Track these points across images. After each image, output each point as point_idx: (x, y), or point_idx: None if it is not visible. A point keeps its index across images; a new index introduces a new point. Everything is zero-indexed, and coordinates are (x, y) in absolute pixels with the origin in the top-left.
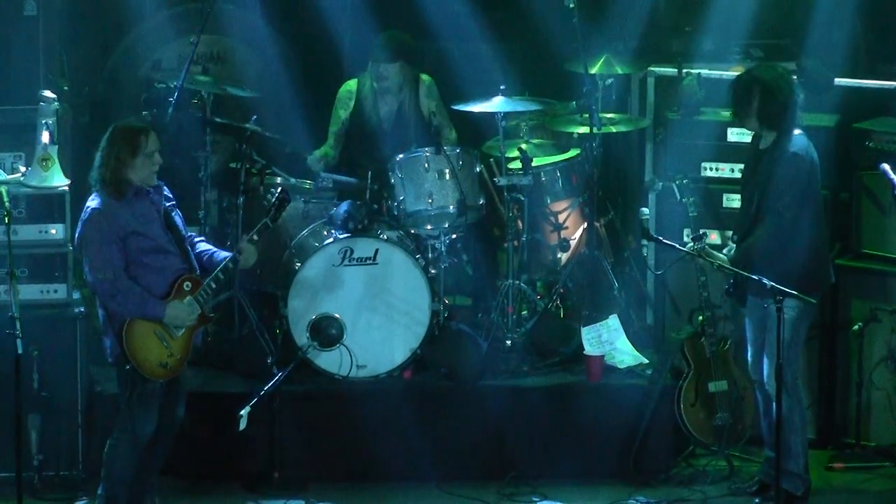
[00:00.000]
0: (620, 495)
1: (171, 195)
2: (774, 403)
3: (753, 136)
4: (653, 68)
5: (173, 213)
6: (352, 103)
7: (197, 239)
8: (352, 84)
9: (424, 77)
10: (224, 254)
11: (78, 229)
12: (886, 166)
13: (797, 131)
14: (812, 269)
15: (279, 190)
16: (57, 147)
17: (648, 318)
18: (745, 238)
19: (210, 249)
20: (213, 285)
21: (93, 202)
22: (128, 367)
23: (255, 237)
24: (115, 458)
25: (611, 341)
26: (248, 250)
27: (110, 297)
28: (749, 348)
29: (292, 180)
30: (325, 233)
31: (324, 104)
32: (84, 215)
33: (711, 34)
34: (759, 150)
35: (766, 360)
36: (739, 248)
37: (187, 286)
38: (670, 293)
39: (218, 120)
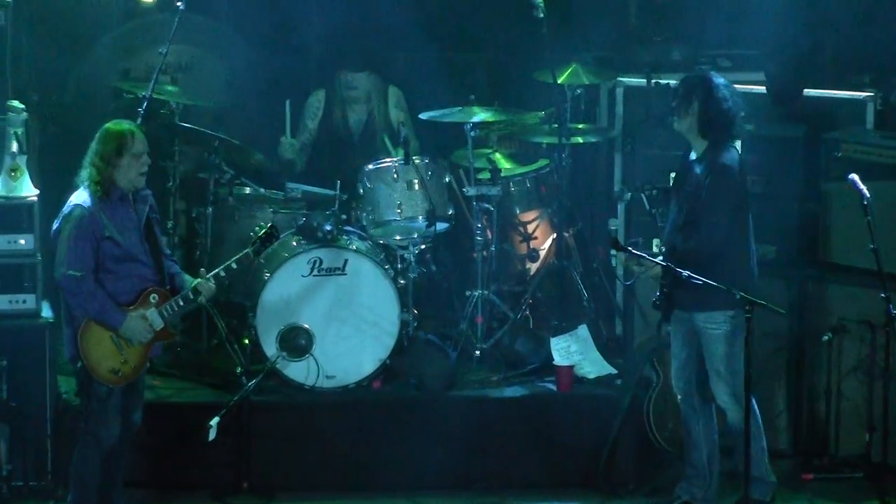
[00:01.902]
0: None
1: (156, 207)
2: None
3: (686, 148)
4: (622, 78)
5: (155, 225)
6: (320, 113)
7: (167, 256)
8: (320, 94)
9: (393, 87)
10: (187, 278)
11: (56, 222)
12: (855, 176)
13: (736, 144)
14: (739, 281)
15: (268, 225)
16: (25, 157)
17: (617, 329)
18: (673, 247)
19: (178, 273)
20: (182, 303)
21: (76, 199)
22: (79, 364)
23: (222, 274)
24: (80, 462)
25: (580, 352)
26: (206, 288)
27: (73, 295)
28: (673, 361)
29: (261, 190)
30: (294, 243)
31: (293, 113)
32: (65, 210)
33: (680, 44)
34: (690, 161)
35: (713, 378)
36: (670, 258)
37: (153, 298)
38: (639, 303)
39: (186, 126)
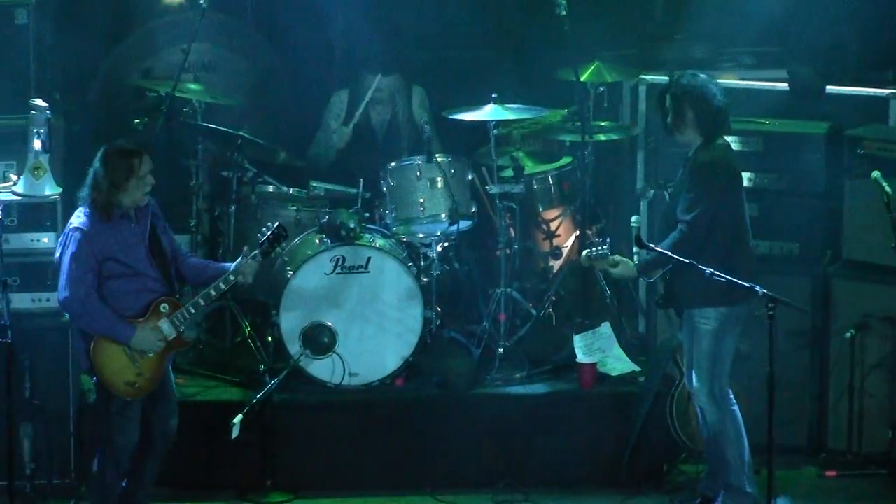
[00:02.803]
0: (613, 503)
1: (160, 213)
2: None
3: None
4: (644, 76)
5: (161, 234)
6: (343, 113)
7: (190, 255)
8: (343, 94)
9: (416, 87)
10: (225, 266)
11: (58, 246)
12: (878, 173)
13: (727, 138)
14: (740, 276)
15: (276, 224)
16: (48, 156)
17: (640, 326)
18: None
19: (208, 263)
20: (192, 310)
21: (77, 220)
22: (94, 379)
23: (232, 278)
24: (100, 468)
25: (603, 349)
26: (249, 266)
27: (79, 317)
28: (685, 357)
29: (284, 188)
30: (317, 241)
31: (315, 112)
32: (66, 231)
33: (702, 42)
34: (686, 159)
35: (693, 373)
36: (648, 256)
37: (164, 308)
38: (655, 299)
39: (209, 126)
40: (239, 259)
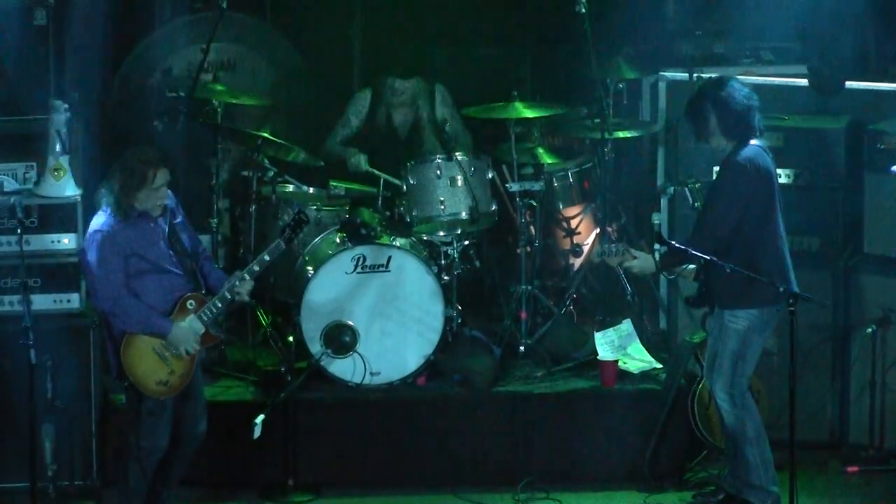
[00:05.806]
0: (635, 500)
1: (180, 210)
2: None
3: None
4: (664, 73)
5: (182, 232)
6: (364, 112)
7: (205, 257)
8: (367, 92)
9: (438, 86)
10: (221, 277)
11: (83, 248)
12: None
13: (755, 141)
14: (758, 282)
15: (296, 211)
16: (68, 156)
17: (662, 323)
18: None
19: (212, 271)
20: (220, 304)
21: (97, 222)
22: (126, 383)
23: (256, 268)
24: (127, 472)
25: (624, 346)
26: (243, 286)
27: (115, 316)
28: (707, 355)
29: (304, 188)
30: (338, 240)
31: (335, 111)
32: (87, 235)
33: (722, 38)
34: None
35: (714, 372)
36: (666, 252)
37: (191, 304)
38: (683, 298)
39: (229, 126)
40: (233, 280)
